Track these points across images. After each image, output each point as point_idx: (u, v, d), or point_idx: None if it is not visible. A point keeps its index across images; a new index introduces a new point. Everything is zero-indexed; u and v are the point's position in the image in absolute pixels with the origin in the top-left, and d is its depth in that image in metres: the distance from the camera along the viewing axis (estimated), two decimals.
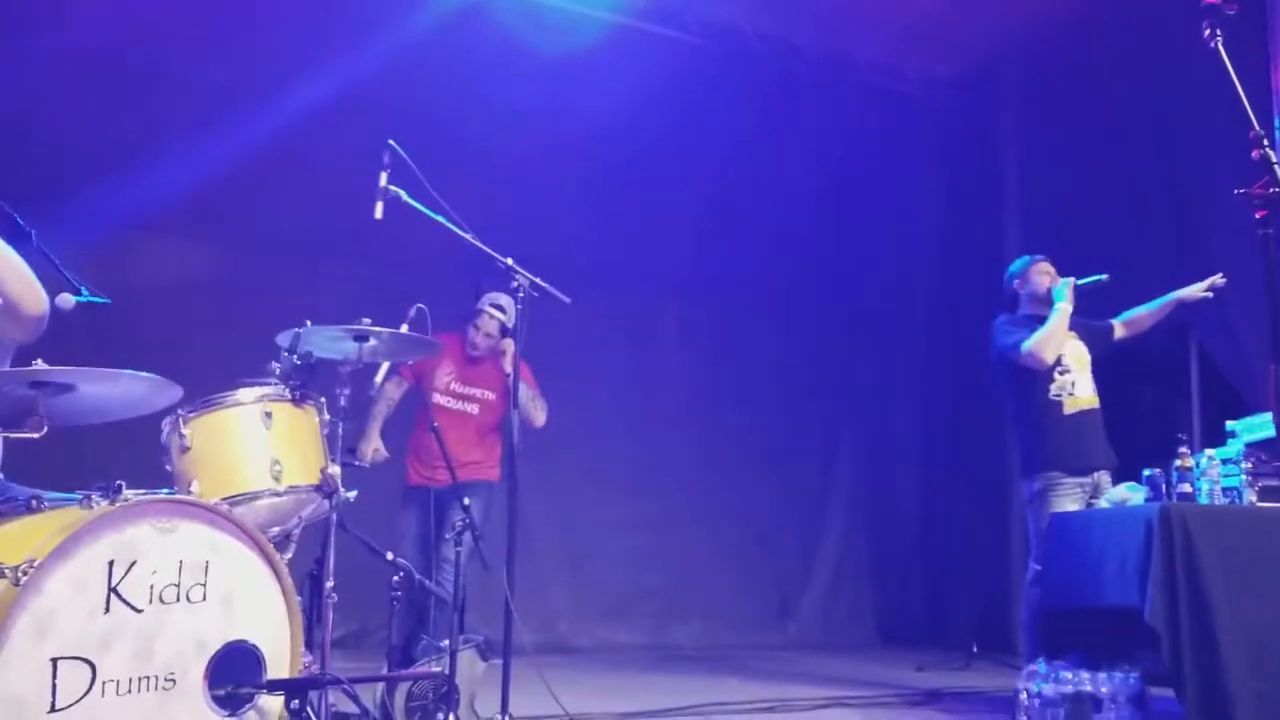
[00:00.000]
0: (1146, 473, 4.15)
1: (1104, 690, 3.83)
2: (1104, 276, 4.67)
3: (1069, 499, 4.51)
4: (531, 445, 3.83)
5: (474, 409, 4.78)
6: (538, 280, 3.73)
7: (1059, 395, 4.65)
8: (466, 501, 3.77)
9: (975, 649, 6.23)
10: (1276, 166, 2.66)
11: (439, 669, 3.55)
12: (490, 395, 4.80)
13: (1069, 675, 3.92)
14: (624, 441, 7.15)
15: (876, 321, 8.20)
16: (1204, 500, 3.95)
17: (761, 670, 5.94)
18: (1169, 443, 4.19)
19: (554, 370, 6.75)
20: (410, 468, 4.76)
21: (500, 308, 4.68)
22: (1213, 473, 4.01)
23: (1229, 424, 4.21)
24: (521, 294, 3.72)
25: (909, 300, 8.38)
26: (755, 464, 7.58)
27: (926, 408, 8.34)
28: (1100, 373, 4.78)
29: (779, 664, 6.29)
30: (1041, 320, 4.68)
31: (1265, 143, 2.68)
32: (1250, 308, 5.13)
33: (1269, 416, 3.69)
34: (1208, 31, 2.78)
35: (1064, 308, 4.63)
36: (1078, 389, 4.67)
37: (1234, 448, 4.05)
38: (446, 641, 3.63)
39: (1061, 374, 4.66)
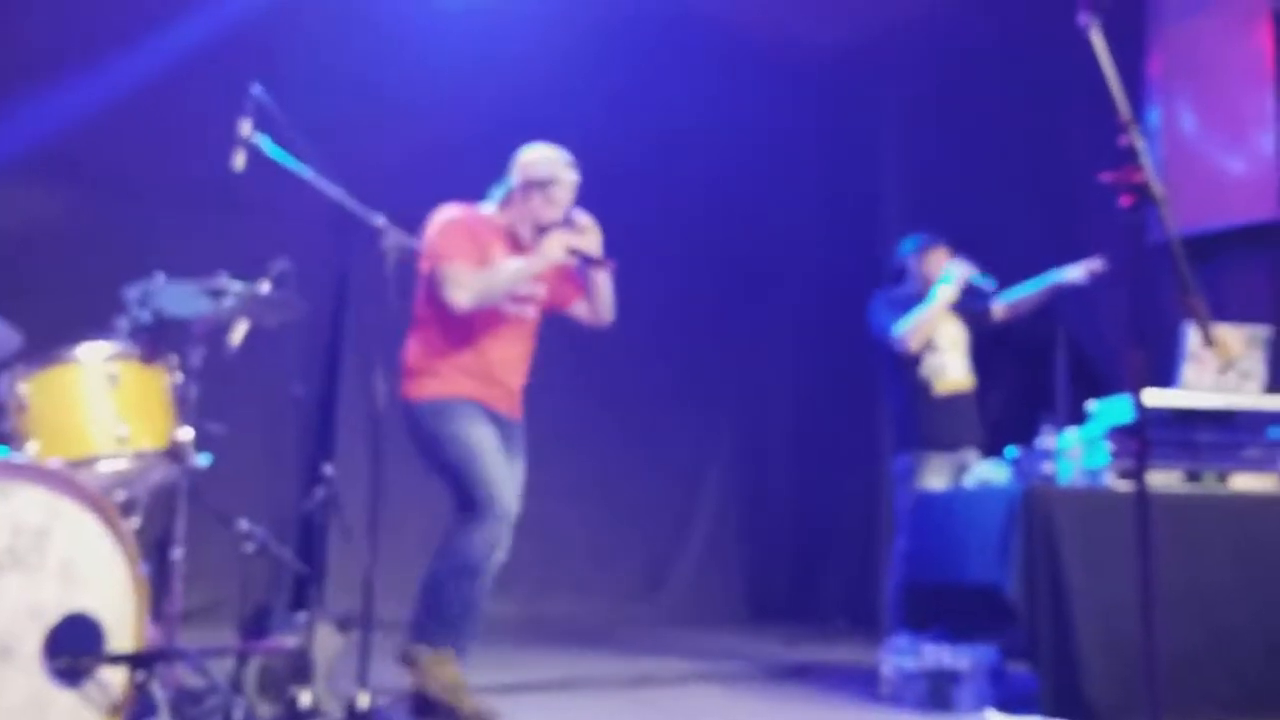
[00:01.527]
0: (1010, 452, 4.24)
1: (963, 664, 3.92)
2: (993, 285, 4.72)
3: (937, 477, 4.60)
4: (398, 410, 3.68)
5: (531, 312, 3.91)
6: (411, 242, 3.60)
7: (929, 376, 4.71)
8: (328, 471, 3.65)
9: (842, 623, 6.32)
10: (1143, 154, 2.70)
11: (294, 642, 3.43)
12: (542, 294, 3.93)
13: (930, 649, 3.99)
14: None
15: (752, 296, 8.21)
16: (1065, 480, 4.04)
17: (631, 644, 5.93)
18: (1035, 422, 4.29)
19: None
20: (452, 379, 3.68)
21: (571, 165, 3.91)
22: (1074, 453, 4.11)
23: (1090, 405, 4.30)
24: (394, 256, 3.58)
25: (786, 276, 8.40)
26: (629, 437, 7.52)
27: (800, 383, 8.40)
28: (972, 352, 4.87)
29: (649, 638, 6.29)
30: (921, 299, 4.72)
31: (1133, 130, 2.71)
32: (1116, 291, 5.28)
33: (1129, 399, 3.78)
34: (1085, 19, 2.80)
35: (944, 295, 4.68)
36: (949, 370, 4.76)
37: (1095, 429, 4.14)
38: (303, 613, 3.51)
39: (932, 354, 4.72)
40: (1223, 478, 4.10)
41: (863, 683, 4.40)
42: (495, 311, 3.71)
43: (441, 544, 3.55)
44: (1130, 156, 2.72)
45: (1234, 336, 4.19)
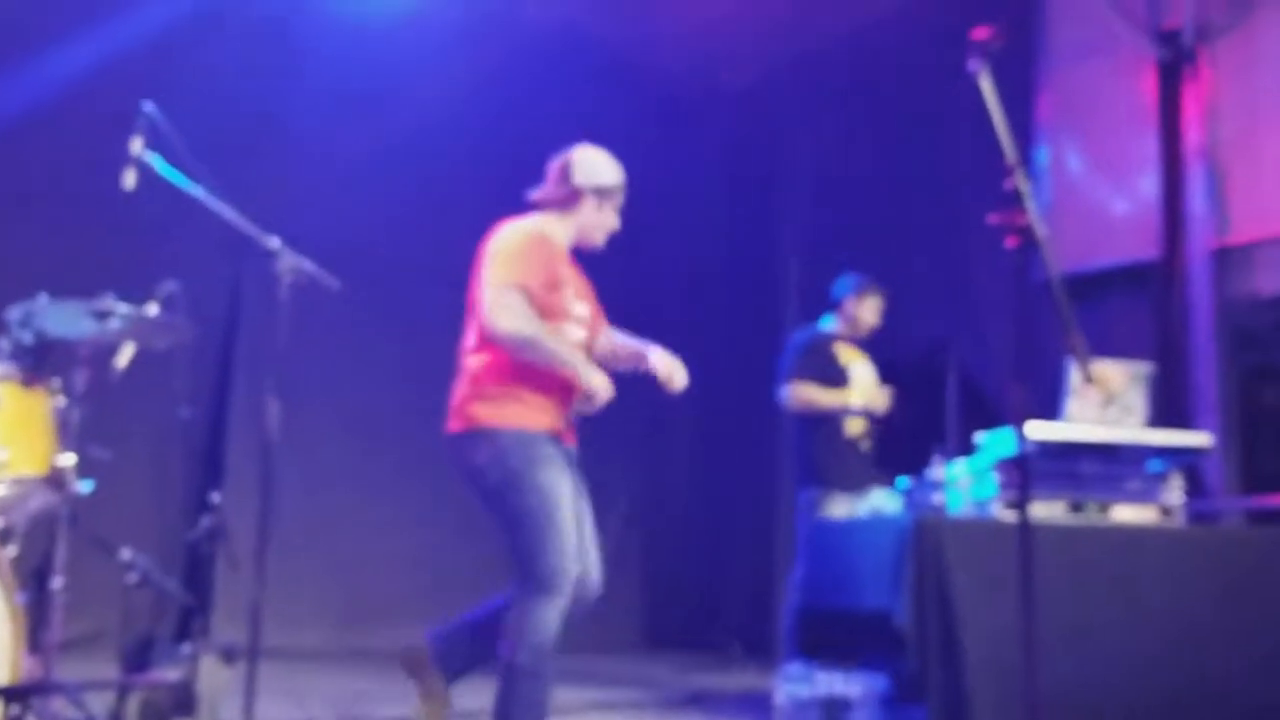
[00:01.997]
0: (902, 483, 4.32)
1: (855, 692, 3.96)
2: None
3: (839, 511, 4.67)
4: (291, 437, 3.60)
5: (585, 335, 3.61)
6: (306, 264, 3.53)
7: (840, 416, 4.82)
8: (216, 499, 3.56)
9: (739, 651, 6.36)
10: (1027, 197, 2.79)
11: (177, 675, 3.33)
12: (589, 317, 3.66)
13: (824, 677, 4.03)
14: (395, 439, 6.92)
15: (652, 324, 8.23)
16: (954, 510, 4.13)
17: None
18: (928, 453, 4.39)
19: (323, 359, 6.52)
20: (536, 406, 3.38)
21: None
22: (963, 484, 4.21)
23: (978, 437, 4.42)
24: (289, 279, 3.51)
25: (686, 305, 8.48)
26: None
27: (699, 412, 8.46)
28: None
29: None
30: (842, 339, 4.95)
31: (1018, 173, 2.81)
32: (1004, 327, 5.44)
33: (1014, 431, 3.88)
34: (974, 63, 2.89)
35: (845, 402, 4.78)
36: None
37: (983, 460, 4.25)
38: (188, 645, 3.41)
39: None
40: (1104, 509, 4.22)
41: (758, 710, 4.42)
42: (566, 331, 3.42)
43: (514, 627, 3.23)
44: (1016, 199, 2.82)
45: (1116, 372, 4.34)
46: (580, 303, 3.53)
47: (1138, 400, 4.34)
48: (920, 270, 6.70)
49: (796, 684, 4.10)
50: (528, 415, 3.28)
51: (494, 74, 7.23)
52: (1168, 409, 5.44)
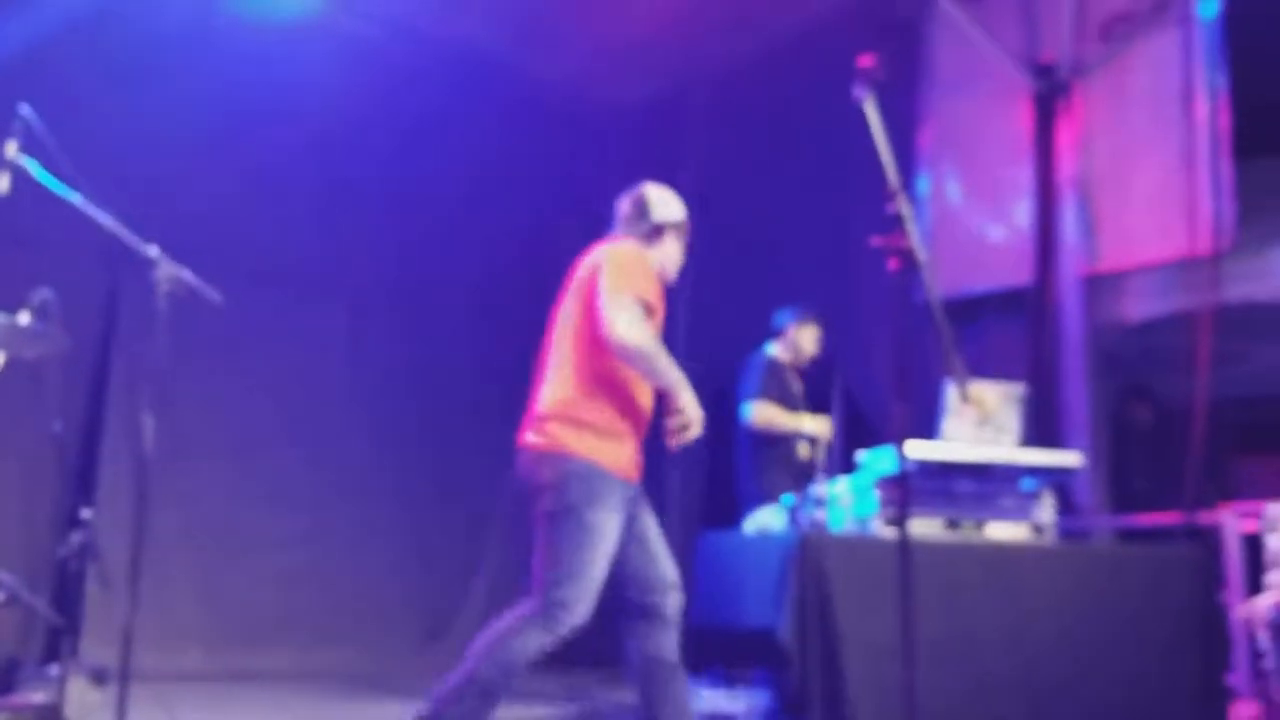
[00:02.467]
0: (788, 500, 4.39)
1: (739, 707, 4.01)
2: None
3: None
4: (167, 451, 3.50)
5: None
6: (185, 275, 3.44)
7: (793, 440, 5.06)
8: (87, 515, 3.43)
9: (620, 668, 6.35)
10: (909, 221, 2.88)
11: (44, 697, 3.20)
12: None
13: (708, 693, 4.07)
14: (280, 452, 6.77)
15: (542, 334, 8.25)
16: (836, 527, 4.22)
17: (411, 693, 5.79)
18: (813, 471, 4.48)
19: (204, 370, 6.34)
20: (615, 439, 3.35)
21: None
22: (845, 501, 4.30)
23: (860, 456, 4.52)
24: (167, 289, 3.41)
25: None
26: (421, 482, 7.38)
27: None
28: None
29: (429, 687, 6.15)
30: (792, 370, 5.20)
31: (900, 198, 2.90)
32: (887, 348, 5.59)
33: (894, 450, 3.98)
34: (860, 91, 2.98)
35: (800, 426, 5.01)
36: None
37: (864, 478, 4.35)
38: (56, 666, 3.29)
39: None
40: (980, 526, 4.36)
41: None
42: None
43: (495, 639, 3.22)
44: (898, 223, 2.91)
45: (991, 393, 4.49)
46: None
47: (1011, 420, 4.50)
48: (807, 291, 6.81)
49: None
50: (606, 450, 3.27)
51: (395, 87, 7.16)
52: (1040, 429, 5.65)
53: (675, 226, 3.62)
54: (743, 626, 4.19)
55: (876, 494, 4.20)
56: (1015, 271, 6.20)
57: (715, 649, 4.37)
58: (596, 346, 3.29)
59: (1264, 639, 4.68)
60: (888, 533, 4.09)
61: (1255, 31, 5.69)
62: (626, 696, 5.78)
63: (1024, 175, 6.35)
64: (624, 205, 3.71)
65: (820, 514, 4.22)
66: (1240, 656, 4.95)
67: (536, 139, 7.95)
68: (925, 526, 4.23)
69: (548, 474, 3.21)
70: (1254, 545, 4.92)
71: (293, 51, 6.64)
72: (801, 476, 4.85)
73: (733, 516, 4.74)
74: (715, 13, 6.80)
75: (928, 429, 4.45)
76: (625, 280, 3.25)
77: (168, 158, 6.11)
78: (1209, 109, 5.59)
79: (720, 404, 8.14)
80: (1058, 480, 4.60)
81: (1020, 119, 6.45)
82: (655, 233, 3.58)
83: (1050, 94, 6.30)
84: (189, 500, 6.14)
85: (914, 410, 4.90)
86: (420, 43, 7.42)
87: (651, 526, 3.45)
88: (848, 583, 3.88)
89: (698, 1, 6.34)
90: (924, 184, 6.77)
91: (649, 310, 3.30)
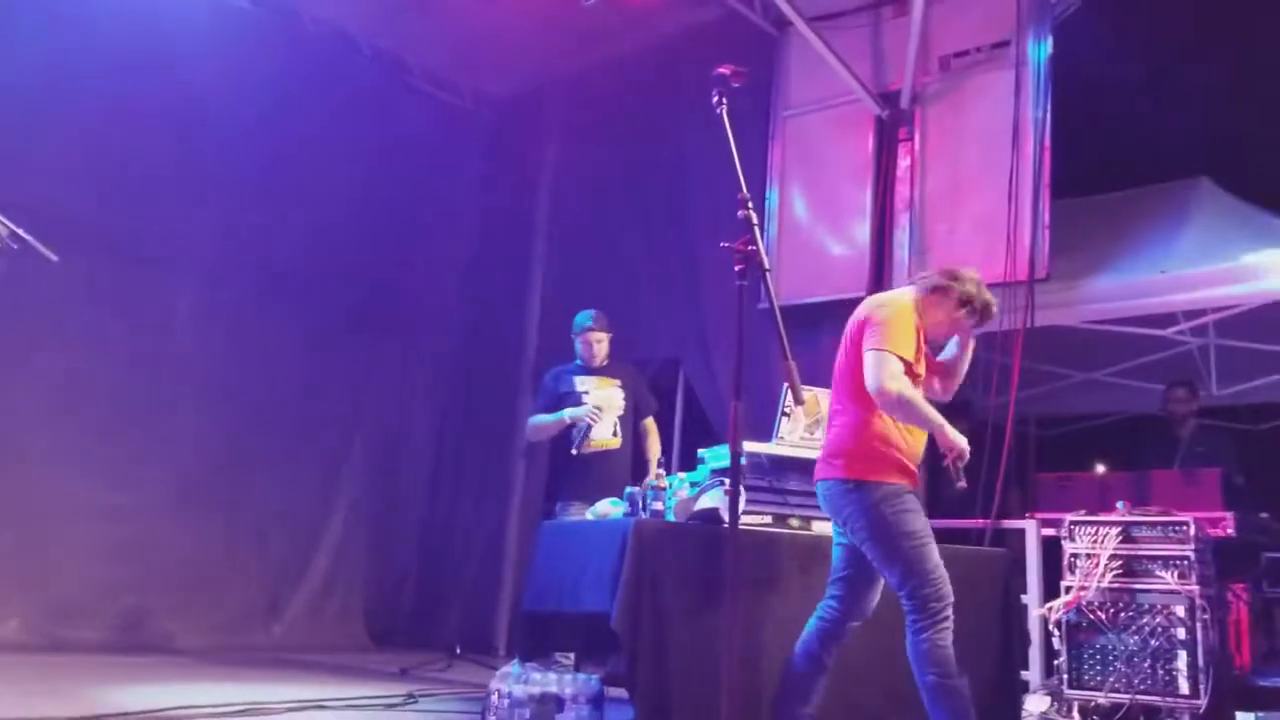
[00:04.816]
0: (627, 490, 4.53)
1: (568, 691, 4.11)
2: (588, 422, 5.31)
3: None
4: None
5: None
6: (20, 231, 3.35)
7: (576, 439, 5.31)
8: None
9: (459, 650, 6.41)
10: (756, 228, 3.05)
11: None
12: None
13: (538, 676, 4.16)
14: (110, 424, 6.55)
15: (403, 330, 8.22)
16: (671, 518, 4.37)
17: (241, 672, 5.71)
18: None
19: (36, 341, 6.10)
20: (898, 456, 3.78)
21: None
22: (682, 493, 4.46)
23: (700, 451, 4.71)
24: None
25: (438, 314, 8.49)
26: (258, 460, 7.25)
27: (441, 420, 8.49)
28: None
29: (261, 666, 6.07)
30: (581, 372, 5.44)
31: (750, 205, 3.06)
32: (728, 349, 5.79)
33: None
34: (716, 98, 3.13)
35: (560, 420, 5.32)
36: (595, 432, 5.25)
37: (701, 472, 4.53)
38: None
39: (573, 428, 5.30)
40: (806, 523, 4.59)
41: (474, 709, 4.50)
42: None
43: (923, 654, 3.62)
44: (745, 228, 3.07)
45: (823, 397, 4.72)
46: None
47: None
48: (658, 287, 7.01)
49: (510, 683, 4.20)
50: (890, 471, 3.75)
51: (262, 73, 7.06)
52: None
53: (969, 303, 3.84)
54: (577, 610, 4.29)
55: (712, 488, 4.38)
56: (852, 284, 6.49)
57: (549, 633, 4.47)
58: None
59: (1058, 638, 5.06)
60: (719, 524, 4.25)
61: (1077, 78, 6.14)
62: (452, 680, 5.84)
63: (864, 195, 6.66)
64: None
65: (658, 505, 4.36)
66: (1035, 653, 5.34)
67: (397, 125, 7.92)
68: (756, 520, 4.42)
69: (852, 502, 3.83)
70: (1052, 551, 5.33)
71: (157, 29, 6.48)
72: (591, 469, 5.15)
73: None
74: (578, 19, 6.91)
75: (765, 430, 4.66)
76: (883, 340, 3.72)
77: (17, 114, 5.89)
78: (1034, 148, 5.98)
79: None
80: (854, 485, 4.88)
81: (864, 143, 6.76)
82: (939, 302, 3.87)
83: (893, 121, 6.63)
84: (10, 469, 5.91)
85: (752, 411, 5.14)
86: (287, 16, 7.32)
87: None
88: (680, 570, 4.03)
89: (561, 7, 6.43)
90: (773, 197, 7.02)
91: (915, 358, 3.76)
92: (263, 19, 7.23)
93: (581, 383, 5.44)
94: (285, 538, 7.43)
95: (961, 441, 3.60)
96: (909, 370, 3.71)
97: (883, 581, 3.86)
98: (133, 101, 6.52)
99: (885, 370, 3.64)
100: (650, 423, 5.58)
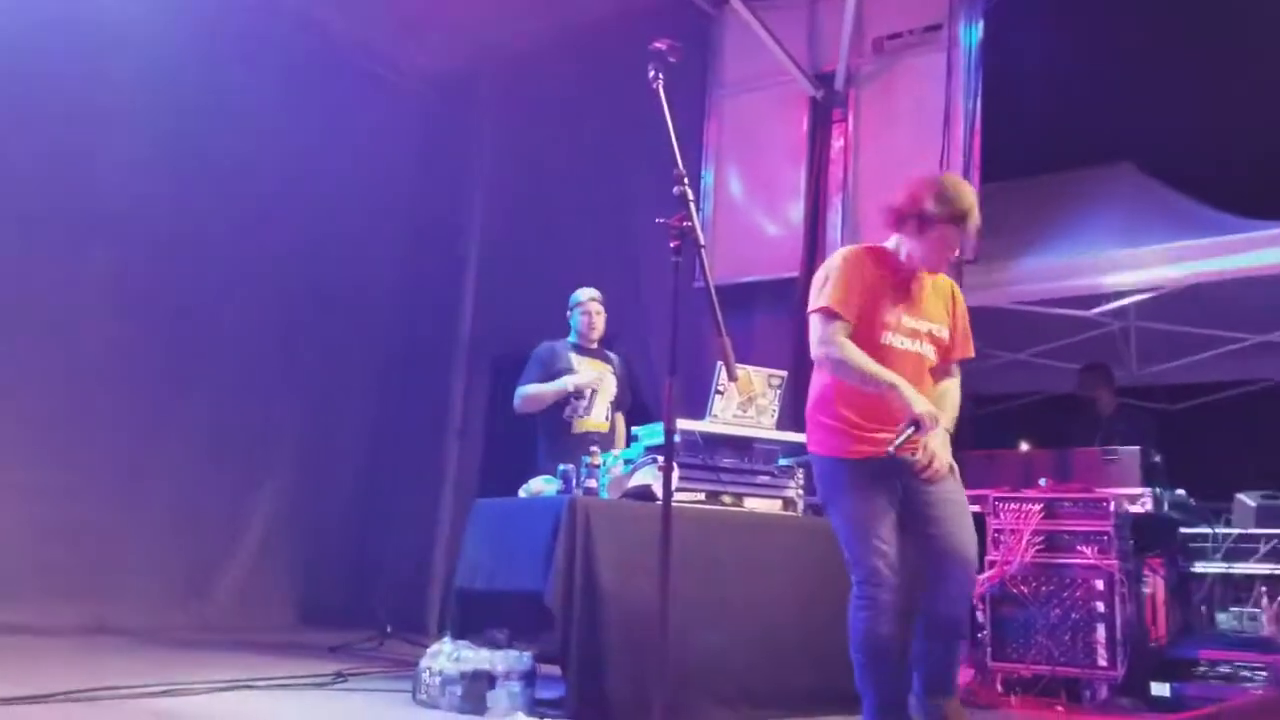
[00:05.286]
0: (561, 467, 4.53)
1: (500, 668, 4.11)
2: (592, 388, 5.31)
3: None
4: None
5: (931, 352, 3.58)
6: None
7: (570, 416, 5.27)
8: None
9: (390, 629, 6.37)
10: (692, 205, 3.05)
11: None
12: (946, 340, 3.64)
13: (469, 654, 4.15)
14: (37, 405, 6.38)
15: (336, 307, 8.09)
16: (606, 495, 4.39)
17: (167, 653, 5.61)
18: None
19: None
20: (844, 426, 3.46)
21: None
22: (616, 470, 4.48)
23: (634, 429, 4.72)
24: None
25: (371, 291, 8.38)
26: (185, 438, 7.10)
27: (377, 401, 8.40)
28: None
29: (188, 647, 5.97)
30: (577, 351, 5.40)
31: (685, 182, 3.06)
32: (664, 327, 5.80)
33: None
34: (652, 73, 3.13)
35: (558, 387, 5.24)
36: (591, 412, 5.31)
37: (636, 449, 4.55)
38: None
39: (576, 398, 5.28)
40: (739, 499, 4.64)
41: (404, 688, 4.48)
42: (890, 347, 3.47)
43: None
44: (681, 204, 3.07)
45: (756, 376, 4.77)
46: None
47: (772, 403, 4.80)
48: (596, 264, 7.00)
49: (443, 660, 4.20)
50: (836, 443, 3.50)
51: (184, 40, 6.89)
52: (797, 412, 6.00)
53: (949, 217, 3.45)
54: (511, 589, 4.30)
55: (646, 465, 4.40)
56: (786, 264, 6.55)
57: (482, 611, 4.47)
58: None
59: (981, 612, 5.18)
60: (652, 501, 4.28)
61: (1007, 63, 6.24)
62: (384, 658, 5.81)
63: (799, 177, 6.71)
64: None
65: (592, 482, 4.37)
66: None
67: (329, 99, 7.78)
68: (689, 497, 4.46)
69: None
70: (978, 526, 5.42)
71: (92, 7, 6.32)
72: (579, 449, 4.99)
73: (509, 486, 4.84)
74: None
75: (700, 407, 4.69)
76: (815, 300, 3.53)
77: None
78: (964, 131, 6.07)
79: (501, 379, 8.26)
80: (810, 459, 4.93)
81: (799, 123, 6.80)
82: (917, 227, 3.49)
83: (827, 102, 6.68)
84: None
85: (687, 389, 5.17)
86: None
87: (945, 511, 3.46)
88: (613, 547, 4.06)
89: None
90: (708, 176, 7.04)
91: (858, 308, 3.46)
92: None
93: (578, 362, 5.38)
94: (214, 516, 7.29)
95: (919, 405, 3.29)
96: (873, 315, 3.46)
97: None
98: (40, 67, 6.33)
99: (813, 336, 3.51)
100: (621, 417, 5.53)
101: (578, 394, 5.29)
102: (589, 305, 5.45)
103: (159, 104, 6.93)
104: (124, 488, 6.73)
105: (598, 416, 5.35)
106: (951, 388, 3.61)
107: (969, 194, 3.49)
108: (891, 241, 3.58)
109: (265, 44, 7.38)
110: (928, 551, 3.39)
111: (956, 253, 3.57)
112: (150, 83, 6.83)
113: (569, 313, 5.50)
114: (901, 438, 3.28)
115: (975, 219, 3.45)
